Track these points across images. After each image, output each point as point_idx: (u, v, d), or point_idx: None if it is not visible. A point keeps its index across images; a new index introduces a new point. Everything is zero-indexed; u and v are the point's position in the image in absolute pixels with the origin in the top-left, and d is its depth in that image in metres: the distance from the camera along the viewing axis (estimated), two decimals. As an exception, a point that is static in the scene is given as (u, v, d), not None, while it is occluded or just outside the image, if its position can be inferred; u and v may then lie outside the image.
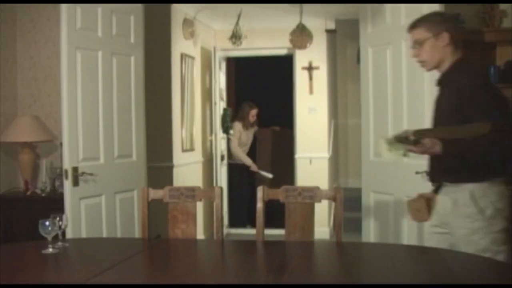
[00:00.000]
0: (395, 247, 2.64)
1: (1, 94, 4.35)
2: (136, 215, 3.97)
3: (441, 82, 2.69)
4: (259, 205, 2.74)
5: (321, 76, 6.67)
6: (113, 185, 3.87)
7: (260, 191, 2.75)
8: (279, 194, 2.76)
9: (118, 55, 3.92)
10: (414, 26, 2.69)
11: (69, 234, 3.51)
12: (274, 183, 8.41)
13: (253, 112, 6.97)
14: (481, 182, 2.48)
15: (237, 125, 6.92)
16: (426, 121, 3.40)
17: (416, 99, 3.49)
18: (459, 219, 2.51)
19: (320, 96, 6.66)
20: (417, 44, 2.65)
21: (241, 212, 7.05)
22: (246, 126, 6.97)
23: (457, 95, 2.53)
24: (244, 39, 6.17)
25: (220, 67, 6.94)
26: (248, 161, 6.96)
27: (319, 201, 2.75)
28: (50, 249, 2.42)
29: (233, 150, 6.91)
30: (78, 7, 3.61)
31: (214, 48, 6.65)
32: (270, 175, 6.95)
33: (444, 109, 2.62)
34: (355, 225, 4.47)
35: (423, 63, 2.69)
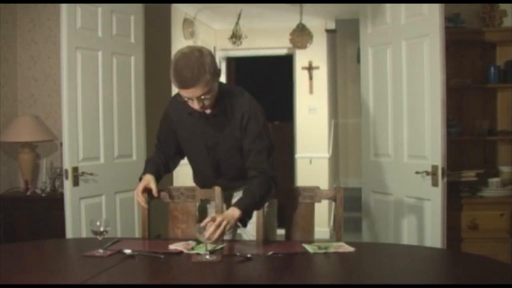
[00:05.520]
0: (395, 247, 2.64)
1: (1, 94, 4.35)
2: (136, 215, 3.97)
3: (215, 115, 2.61)
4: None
5: (321, 76, 6.67)
6: (113, 185, 3.87)
7: None
8: (279, 194, 2.76)
9: (118, 55, 3.92)
10: (193, 84, 2.41)
11: (69, 234, 3.52)
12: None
13: None
14: None
15: None
16: (426, 121, 3.41)
17: (416, 99, 3.49)
18: None
19: (320, 96, 6.67)
20: (203, 97, 2.46)
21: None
22: None
23: (241, 122, 2.62)
24: (244, 39, 6.18)
25: (220, 67, 6.95)
26: None
27: (319, 201, 2.75)
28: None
29: None
30: (78, 7, 3.61)
31: (214, 48, 6.65)
32: None
33: (227, 137, 2.64)
34: (355, 225, 4.48)
35: (208, 107, 2.54)
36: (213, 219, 2.29)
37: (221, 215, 2.36)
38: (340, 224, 2.72)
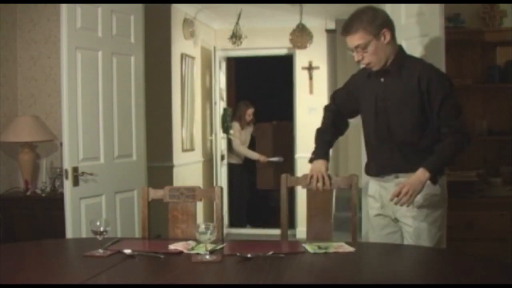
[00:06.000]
0: (395, 247, 2.64)
1: (1, 94, 4.35)
2: (136, 215, 3.97)
3: (388, 73, 2.67)
4: (283, 191, 2.89)
5: (321, 76, 6.66)
6: (113, 185, 3.87)
7: (283, 178, 2.90)
8: (300, 181, 2.90)
9: (118, 55, 3.92)
10: (350, 31, 2.61)
11: (69, 234, 3.52)
12: (275, 179, 8.39)
13: (250, 111, 6.99)
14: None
15: (235, 125, 6.94)
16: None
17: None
18: (424, 208, 2.65)
19: (320, 96, 6.65)
20: (360, 48, 2.60)
21: (241, 212, 7.06)
22: (243, 125, 6.99)
23: (418, 81, 2.60)
24: (244, 39, 6.17)
25: (220, 67, 6.95)
26: (254, 155, 6.98)
27: (337, 187, 2.91)
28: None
29: (237, 148, 6.92)
30: (78, 7, 3.61)
31: (214, 48, 6.65)
32: (281, 159, 7.05)
33: (400, 97, 2.64)
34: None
35: (368, 65, 2.66)
36: (399, 191, 2.48)
37: (407, 184, 2.49)
38: (355, 209, 2.84)
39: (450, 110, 2.60)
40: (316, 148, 2.91)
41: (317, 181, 2.78)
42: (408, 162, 2.63)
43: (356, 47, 2.60)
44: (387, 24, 2.62)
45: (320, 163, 2.82)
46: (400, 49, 2.71)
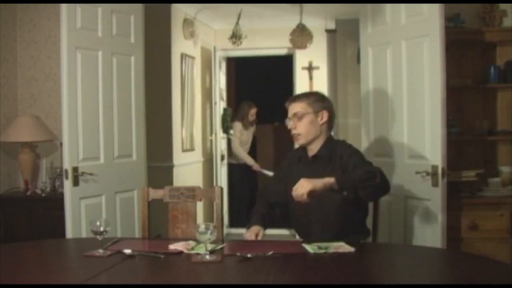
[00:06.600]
0: (395, 247, 2.64)
1: (1, 94, 4.35)
2: (136, 215, 3.97)
3: (316, 158, 2.80)
4: None
5: (321, 76, 6.67)
6: (113, 185, 3.87)
7: None
8: None
9: (118, 55, 3.92)
10: (296, 99, 2.82)
11: (69, 234, 3.52)
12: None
13: (253, 111, 6.96)
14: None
15: (237, 125, 6.91)
16: (425, 121, 3.41)
17: (416, 99, 3.49)
18: None
19: (320, 96, 6.65)
20: (296, 117, 2.77)
21: (241, 212, 7.05)
22: (246, 125, 6.96)
23: (340, 162, 2.72)
24: (244, 39, 6.17)
25: (220, 67, 6.95)
26: (250, 161, 6.93)
27: None
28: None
29: (235, 150, 6.89)
30: (78, 7, 3.61)
31: (214, 48, 6.65)
32: (271, 173, 6.95)
33: None
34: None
35: (297, 135, 2.80)
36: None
37: (307, 179, 2.49)
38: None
39: (364, 166, 2.67)
40: (251, 220, 2.89)
41: None
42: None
43: (294, 114, 2.78)
44: (329, 110, 2.83)
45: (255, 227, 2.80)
46: (330, 136, 2.86)
